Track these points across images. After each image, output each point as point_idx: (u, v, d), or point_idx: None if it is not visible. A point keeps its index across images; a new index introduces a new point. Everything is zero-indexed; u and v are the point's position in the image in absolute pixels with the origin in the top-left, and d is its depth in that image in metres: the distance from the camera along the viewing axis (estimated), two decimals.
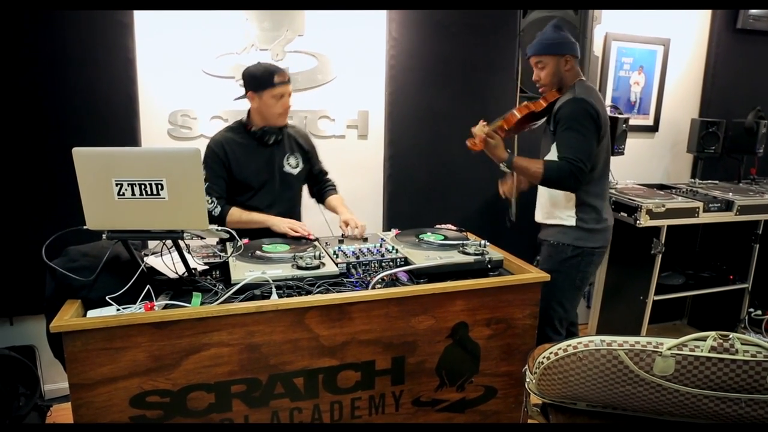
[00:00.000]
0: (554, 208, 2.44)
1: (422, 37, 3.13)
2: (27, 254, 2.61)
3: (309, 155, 2.59)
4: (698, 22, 3.78)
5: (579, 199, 2.37)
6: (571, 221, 2.39)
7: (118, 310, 1.68)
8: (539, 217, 2.55)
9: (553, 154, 2.31)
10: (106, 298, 1.70)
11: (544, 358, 1.37)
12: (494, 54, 3.24)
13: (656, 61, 3.72)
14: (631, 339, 1.28)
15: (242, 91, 2.36)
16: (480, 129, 2.31)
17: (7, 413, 2.36)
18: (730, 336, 1.21)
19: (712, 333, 1.22)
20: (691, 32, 3.78)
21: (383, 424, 1.99)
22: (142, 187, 1.59)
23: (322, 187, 2.69)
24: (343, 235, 2.38)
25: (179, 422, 1.74)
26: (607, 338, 1.29)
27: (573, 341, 1.32)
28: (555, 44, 2.30)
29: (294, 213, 2.56)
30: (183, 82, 2.83)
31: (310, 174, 2.63)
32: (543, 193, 2.50)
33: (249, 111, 2.42)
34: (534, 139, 2.63)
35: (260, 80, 2.29)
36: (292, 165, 2.50)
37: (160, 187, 1.60)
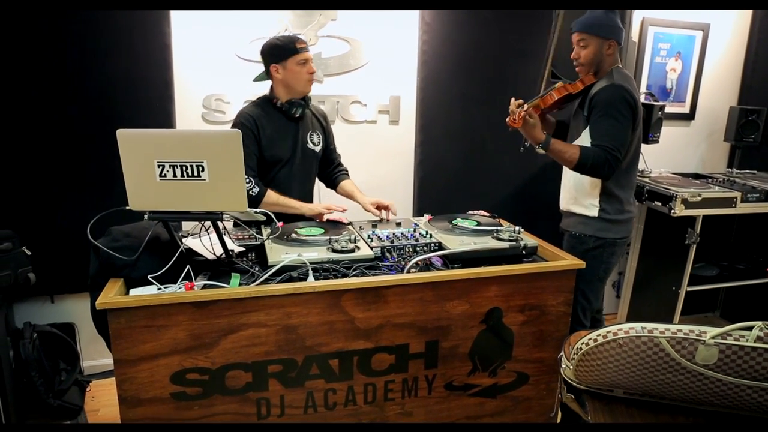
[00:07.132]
0: (578, 194, 2.41)
1: (455, 22, 3.10)
2: (66, 235, 2.68)
3: (327, 134, 2.60)
4: None
5: (604, 188, 2.33)
6: (594, 211, 2.36)
7: (159, 289, 1.72)
8: (563, 203, 2.52)
9: (584, 139, 2.28)
10: (149, 277, 1.74)
11: (582, 344, 1.36)
12: (527, 40, 3.19)
13: (694, 47, 3.62)
14: (673, 327, 1.26)
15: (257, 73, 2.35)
16: (515, 105, 2.27)
17: (50, 387, 2.44)
18: None
19: (758, 323, 1.20)
20: (731, 17, 3.67)
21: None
22: (184, 168, 1.62)
23: (334, 171, 2.67)
24: (380, 220, 2.38)
25: (218, 399, 1.78)
26: (648, 325, 1.28)
27: (613, 328, 1.31)
28: (603, 26, 2.24)
29: (309, 191, 2.56)
30: (217, 66, 2.85)
31: (324, 154, 2.60)
32: (569, 178, 2.46)
33: (272, 86, 2.40)
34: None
35: (283, 49, 2.28)
36: (315, 142, 2.50)
37: (200, 168, 1.62)
